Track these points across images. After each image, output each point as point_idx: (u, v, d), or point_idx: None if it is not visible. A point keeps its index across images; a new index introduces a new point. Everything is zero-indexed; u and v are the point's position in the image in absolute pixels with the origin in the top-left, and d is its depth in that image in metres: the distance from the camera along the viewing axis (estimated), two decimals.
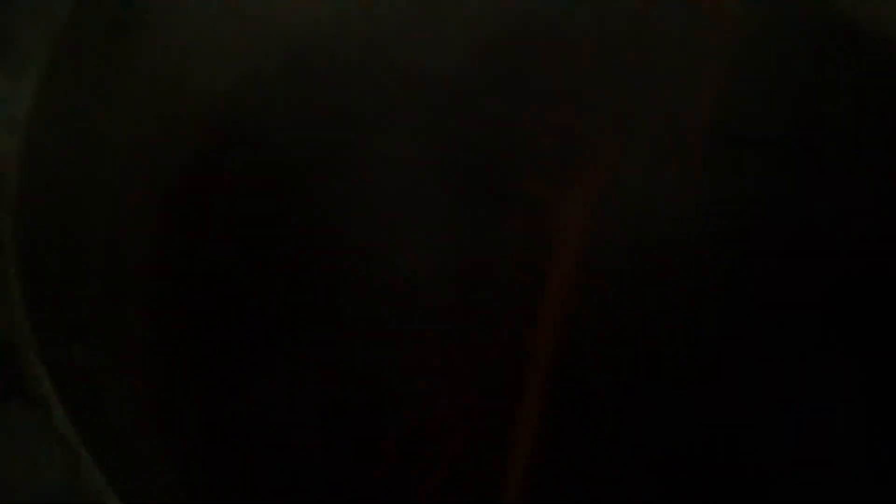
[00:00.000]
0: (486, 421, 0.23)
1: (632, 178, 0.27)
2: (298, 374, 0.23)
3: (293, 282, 0.25)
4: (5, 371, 0.19)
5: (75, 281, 0.21)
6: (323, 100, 0.28)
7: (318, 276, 0.25)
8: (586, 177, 0.28)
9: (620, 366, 0.24)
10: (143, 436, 0.20)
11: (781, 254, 0.26)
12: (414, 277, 0.25)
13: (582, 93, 0.28)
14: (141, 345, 0.22)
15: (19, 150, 0.18)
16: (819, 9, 0.30)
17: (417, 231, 0.25)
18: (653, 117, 0.28)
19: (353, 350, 0.24)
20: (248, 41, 0.28)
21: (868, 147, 0.28)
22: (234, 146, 0.27)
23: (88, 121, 0.21)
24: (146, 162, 0.25)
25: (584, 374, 0.24)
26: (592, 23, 0.28)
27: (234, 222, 0.26)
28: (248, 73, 0.27)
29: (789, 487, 0.22)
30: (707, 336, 0.24)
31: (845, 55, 0.29)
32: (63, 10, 0.21)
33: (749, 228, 0.26)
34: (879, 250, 0.26)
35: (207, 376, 0.23)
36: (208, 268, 0.25)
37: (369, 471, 0.22)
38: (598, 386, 0.24)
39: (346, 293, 0.25)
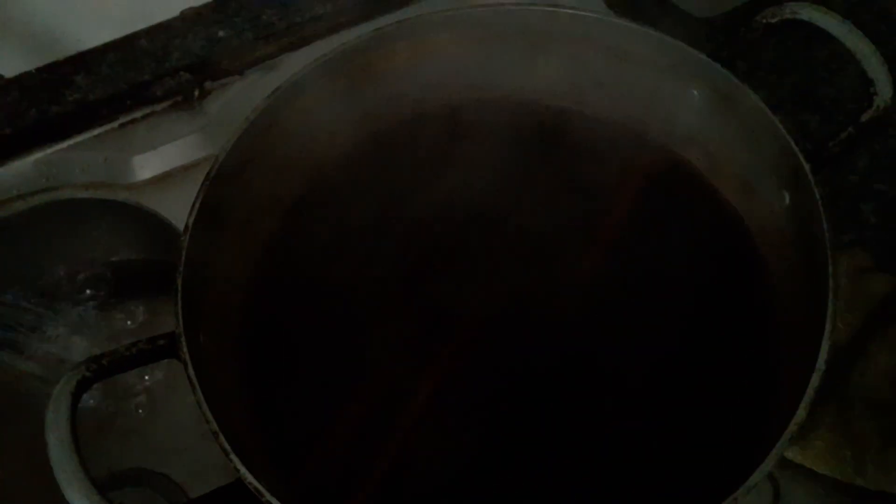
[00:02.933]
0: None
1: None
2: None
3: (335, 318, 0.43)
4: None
5: (204, 300, 0.39)
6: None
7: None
8: None
9: None
10: (231, 387, 0.38)
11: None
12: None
13: None
14: (235, 339, 0.41)
15: (187, 242, 0.37)
16: None
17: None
18: None
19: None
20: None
21: None
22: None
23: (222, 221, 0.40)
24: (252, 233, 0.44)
25: None
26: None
27: (301, 272, 0.45)
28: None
29: None
30: None
31: None
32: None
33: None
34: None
35: (271, 357, 0.42)
36: (280, 299, 0.44)
37: None
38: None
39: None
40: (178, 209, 0.56)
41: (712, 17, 0.57)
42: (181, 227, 0.55)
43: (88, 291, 0.62)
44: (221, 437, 0.32)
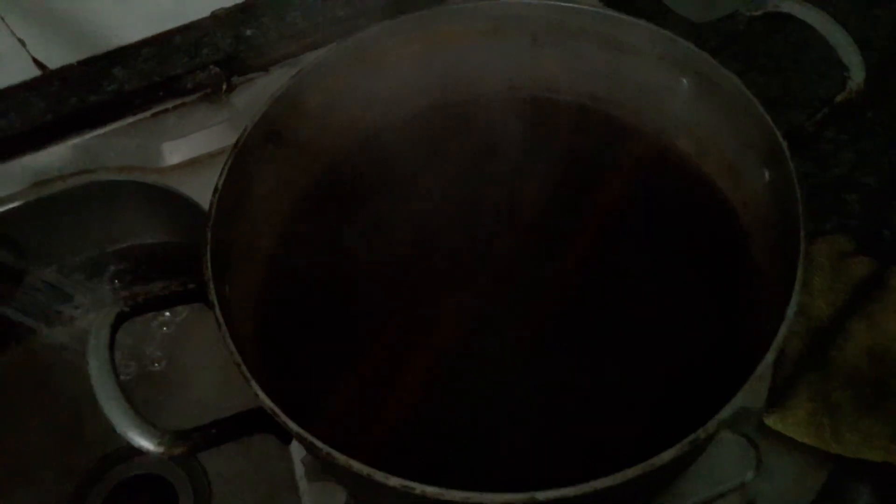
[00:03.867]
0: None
1: None
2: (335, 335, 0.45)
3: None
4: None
5: (231, 259, 0.43)
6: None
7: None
8: None
9: None
10: (250, 333, 0.42)
11: None
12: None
13: None
14: (255, 295, 0.45)
15: (217, 200, 0.41)
16: None
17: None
18: None
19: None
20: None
21: None
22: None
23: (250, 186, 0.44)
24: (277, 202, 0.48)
25: None
26: None
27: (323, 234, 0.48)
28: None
29: None
30: None
31: None
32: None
33: None
34: None
35: (287, 305, 0.45)
36: (297, 265, 0.48)
37: None
38: None
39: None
40: (204, 192, 0.60)
41: (707, 23, 0.61)
42: (206, 207, 0.60)
43: (118, 269, 0.67)
44: (244, 367, 0.35)
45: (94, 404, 0.68)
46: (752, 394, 0.48)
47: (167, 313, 0.68)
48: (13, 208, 0.62)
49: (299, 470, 0.50)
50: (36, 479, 0.64)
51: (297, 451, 0.50)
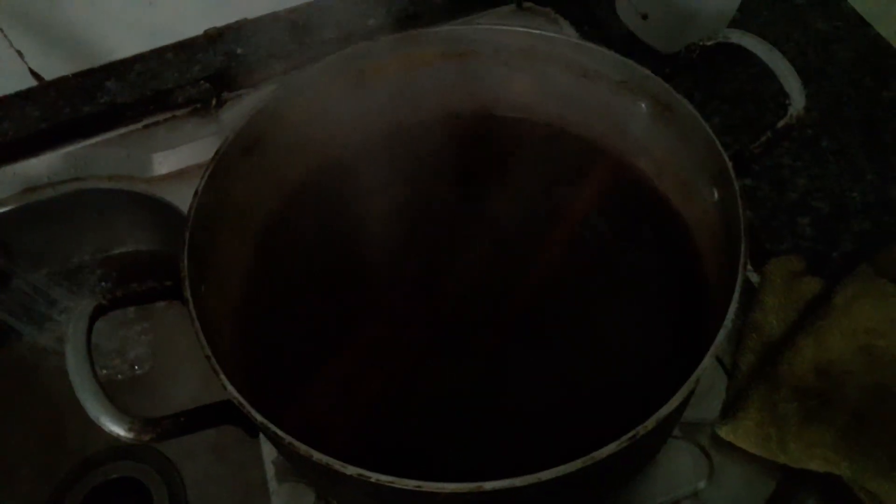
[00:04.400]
0: None
1: None
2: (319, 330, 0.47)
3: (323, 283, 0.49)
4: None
5: (209, 260, 0.45)
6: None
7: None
8: None
9: None
10: (228, 333, 0.44)
11: None
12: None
13: None
14: (232, 297, 0.47)
15: (196, 204, 0.43)
16: None
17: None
18: None
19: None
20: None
21: None
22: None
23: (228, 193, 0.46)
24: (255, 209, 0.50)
25: None
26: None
27: (298, 240, 0.51)
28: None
29: None
30: None
31: None
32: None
33: None
34: None
35: (265, 307, 0.48)
36: (274, 271, 0.50)
37: None
38: None
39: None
40: (189, 201, 0.63)
41: (674, 53, 0.65)
42: None
43: (103, 276, 0.69)
44: (213, 360, 0.37)
45: (75, 408, 0.70)
46: (705, 406, 0.51)
47: (149, 320, 0.70)
48: (3, 213, 0.64)
49: (270, 470, 0.52)
50: (14, 480, 0.65)
51: (267, 452, 0.52)
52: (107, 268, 0.69)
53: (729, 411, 0.50)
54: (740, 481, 0.49)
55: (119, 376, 0.67)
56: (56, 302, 0.67)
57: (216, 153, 0.46)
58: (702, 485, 0.49)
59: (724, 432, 0.49)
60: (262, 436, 0.51)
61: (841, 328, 0.50)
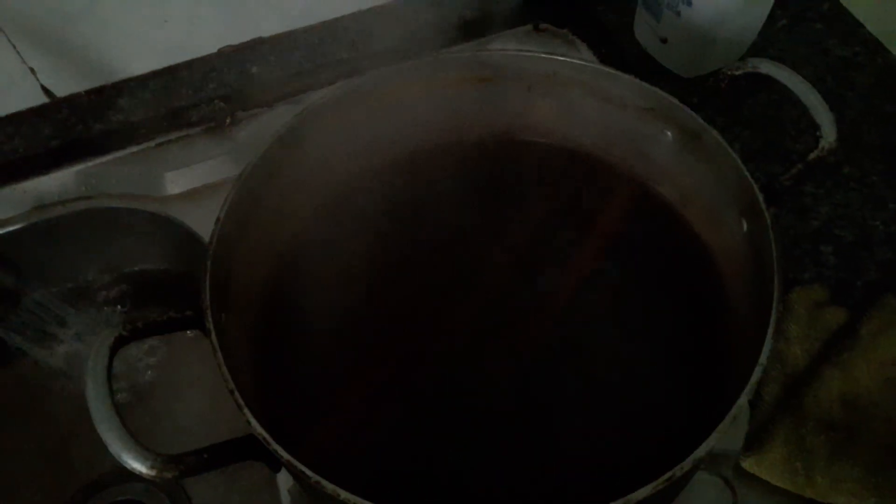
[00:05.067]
0: None
1: None
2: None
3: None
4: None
5: (229, 287, 0.44)
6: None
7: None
8: None
9: None
10: (245, 362, 0.43)
11: None
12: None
13: None
14: (251, 325, 0.46)
15: (218, 231, 0.42)
16: None
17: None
18: None
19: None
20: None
21: None
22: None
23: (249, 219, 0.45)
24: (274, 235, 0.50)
25: None
26: None
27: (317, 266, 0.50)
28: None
29: None
30: None
31: None
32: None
33: None
34: None
35: (282, 336, 0.47)
36: (293, 296, 0.49)
37: None
38: None
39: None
40: (203, 221, 0.62)
41: (694, 79, 0.64)
42: (206, 237, 0.61)
43: (114, 295, 0.68)
44: (237, 394, 0.36)
45: (81, 429, 0.69)
46: (729, 437, 0.50)
47: (155, 340, 0.69)
48: (13, 231, 0.63)
49: (285, 499, 0.51)
50: (20, 502, 0.64)
51: (283, 481, 0.51)
52: (117, 287, 0.68)
53: (754, 443, 0.49)
54: None
55: (119, 395, 0.66)
56: (64, 322, 0.66)
57: (239, 177, 0.45)
58: None
59: (749, 464, 0.48)
60: None
61: (867, 360, 0.49)
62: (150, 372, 0.68)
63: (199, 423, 0.64)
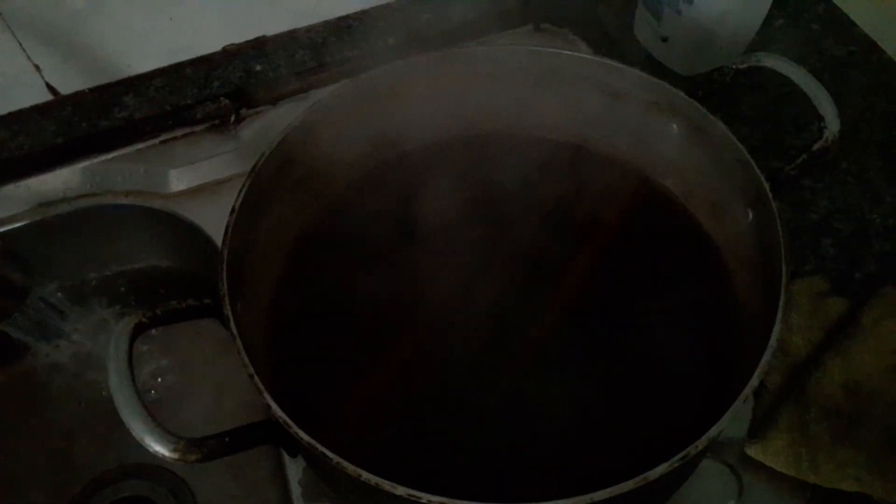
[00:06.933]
0: None
1: None
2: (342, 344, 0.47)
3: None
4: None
5: (244, 276, 0.45)
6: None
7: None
8: None
9: None
10: (260, 348, 0.43)
11: None
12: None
13: None
14: (265, 307, 0.46)
15: (234, 220, 0.43)
16: None
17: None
18: None
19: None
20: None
21: None
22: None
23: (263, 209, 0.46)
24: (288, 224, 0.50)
25: None
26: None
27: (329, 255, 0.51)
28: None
29: None
30: None
31: None
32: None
33: None
34: None
35: (294, 322, 0.47)
36: (305, 284, 0.50)
37: None
38: None
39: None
40: (208, 218, 0.62)
41: (694, 76, 0.65)
42: (211, 233, 0.61)
43: (118, 292, 0.68)
44: (256, 378, 0.37)
45: (85, 426, 0.68)
46: (734, 425, 0.51)
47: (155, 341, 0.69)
48: (18, 227, 0.63)
49: (296, 491, 0.51)
50: (24, 499, 0.63)
51: (293, 472, 0.51)
52: (122, 284, 0.68)
53: (758, 430, 0.50)
54: (770, 501, 0.49)
55: None
56: (68, 318, 0.66)
57: (253, 168, 0.45)
58: None
59: (754, 451, 0.49)
60: (286, 457, 0.50)
61: (869, 348, 0.50)
62: (152, 369, 0.68)
63: (205, 415, 0.64)
